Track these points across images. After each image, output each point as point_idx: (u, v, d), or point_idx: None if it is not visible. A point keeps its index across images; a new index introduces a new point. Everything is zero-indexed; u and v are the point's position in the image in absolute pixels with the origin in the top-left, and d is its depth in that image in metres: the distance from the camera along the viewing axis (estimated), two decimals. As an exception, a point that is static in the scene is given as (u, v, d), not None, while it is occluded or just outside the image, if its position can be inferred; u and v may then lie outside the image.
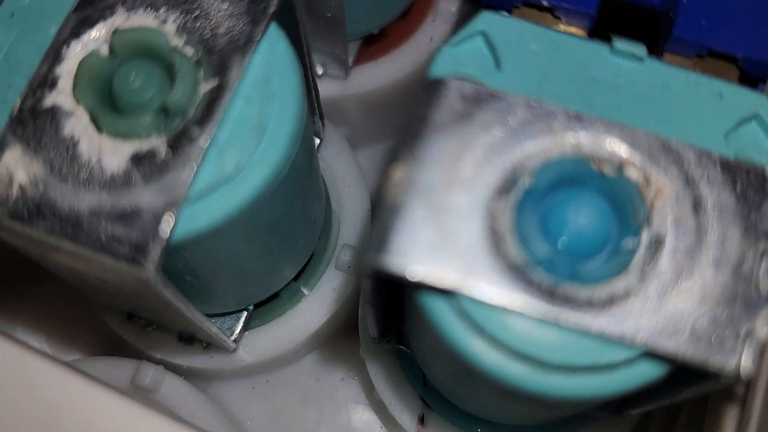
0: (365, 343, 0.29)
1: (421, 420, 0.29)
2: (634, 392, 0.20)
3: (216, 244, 0.22)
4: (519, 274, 0.19)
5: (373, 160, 0.36)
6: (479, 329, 0.19)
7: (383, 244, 0.19)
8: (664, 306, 0.19)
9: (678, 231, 0.20)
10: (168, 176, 0.20)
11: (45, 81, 0.21)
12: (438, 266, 0.19)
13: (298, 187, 0.24)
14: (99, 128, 0.21)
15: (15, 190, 0.20)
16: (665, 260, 0.19)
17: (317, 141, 0.31)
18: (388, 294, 0.23)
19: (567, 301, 0.19)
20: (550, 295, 0.19)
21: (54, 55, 0.22)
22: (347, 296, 0.30)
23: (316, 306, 0.30)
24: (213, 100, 0.21)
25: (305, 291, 0.30)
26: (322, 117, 0.30)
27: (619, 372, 0.19)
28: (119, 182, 0.20)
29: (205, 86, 0.21)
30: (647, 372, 0.19)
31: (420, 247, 0.19)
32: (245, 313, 0.29)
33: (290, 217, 0.25)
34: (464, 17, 0.35)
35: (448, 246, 0.19)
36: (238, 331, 0.29)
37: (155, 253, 0.20)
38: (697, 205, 0.20)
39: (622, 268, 0.19)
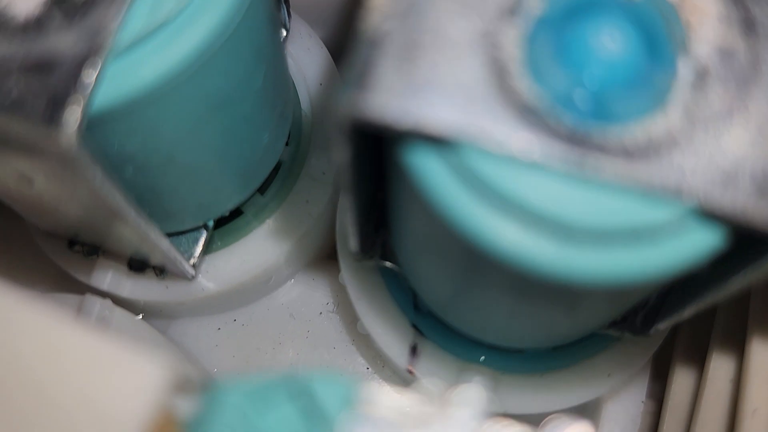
0: (346, 265, 0.25)
1: (413, 350, 0.25)
2: (679, 273, 0.16)
3: (155, 116, 0.18)
4: (533, 115, 0.15)
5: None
6: (487, 191, 0.15)
7: (363, 83, 0.15)
8: (715, 150, 0.15)
9: (724, 59, 0.16)
10: (92, 17, 0.16)
11: None
12: (431, 108, 0.15)
13: (257, 55, 0.20)
14: None
15: None
16: (711, 94, 0.16)
17: (283, 33, 0.27)
18: (369, 173, 0.20)
19: (595, 146, 0.15)
20: (573, 139, 0.15)
21: None
22: (322, 212, 0.26)
23: (287, 223, 0.26)
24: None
25: (273, 206, 0.26)
26: (287, 3, 0.26)
27: (664, 239, 0.15)
28: (33, 27, 0.16)
29: None
30: (698, 238, 0.15)
31: (408, 86, 0.15)
32: (204, 232, 0.25)
33: (249, 96, 0.21)
34: None
35: (442, 84, 0.15)
36: (197, 253, 0.25)
37: (75, 109, 0.16)
38: (747, 28, 0.16)
39: (659, 104, 0.16)
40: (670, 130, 0.15)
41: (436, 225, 0.17)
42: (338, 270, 0.26)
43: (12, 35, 0.17)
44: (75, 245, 0.25)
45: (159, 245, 0.22)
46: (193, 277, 0.25)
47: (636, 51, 0.16)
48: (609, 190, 0.15)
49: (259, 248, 0.26)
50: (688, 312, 0.20)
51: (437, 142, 0.16)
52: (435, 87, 0.15)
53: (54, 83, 0.16)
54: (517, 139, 0.15)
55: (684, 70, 0.16)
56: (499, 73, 0.16)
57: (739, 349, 0.23)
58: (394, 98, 0.15)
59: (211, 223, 0.25)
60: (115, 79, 0.17)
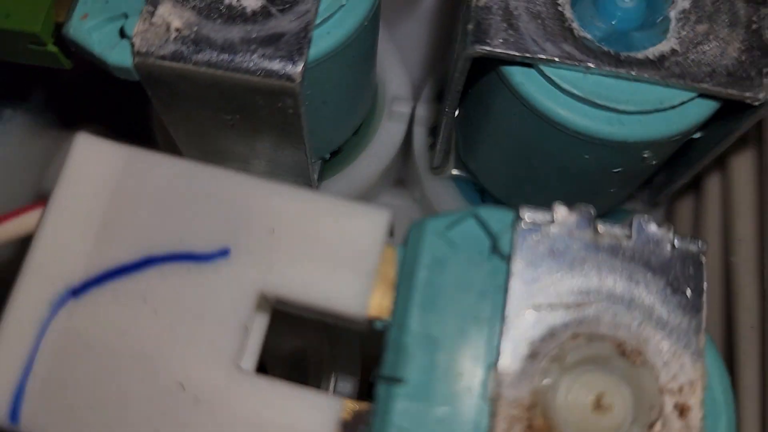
0: (427, 179, 0.35)
1: (486, 231, 0.35)
2: (688, 131, 0.26)
3: (329, 68, 0.27)
4: (589, 46, 0.25)
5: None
6: (563, 90, 0.25)
7: (481, 34, 0.25)
8: (702, 58, 0.25)
9: (696, 4, 0.26)
10: (298, 6, 0.25)
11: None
12: (527, 45, 0.25)
13: (376, 30, 0.29)
14: None
15: (173, 34, 0.25)
16: (692, 25, 0.26)
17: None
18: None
19: (630, 62, 0.25)
20: (617, 58, 0.25)
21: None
22: (399, 145, 0.36)
23: (375, 155, 0.35)
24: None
25: (364, 143, 0.35)
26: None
27: (680, 111, 0.25)
28: (260, 15, 0.25)
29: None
30: (701, 109, 0.26)
31: (509, 34, 0.25)
32: (320, 162, 0.34)
33: (371, 57, 0.30)
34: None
35: (531, 29, 0.25)
36: (316, 177, 0.34)
37: (301, 65, 0.25)
38: (710, -17, 0.26)
39: (662, 35, 0.26)
40: (673, 49, 0.25)
41: (520, 118, 0.26)
42: (404, 193, 0.36)
43: (248, 21, 0.25)
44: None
45: (309, 169, 0.31)
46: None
47: (642, 6, 0.26)
48: (644, 86, 0.25)
49: (357, 175, 0.35)
50: (684, 179, 0.31)
51: (529, 64, 0.25)
52: (526, 33, 0.25)
53: (283, 49, 0.25)
54: (584, 58, 0.25)
55: (673, 15, 0.26)
56: (564, 25, 0.25)
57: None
58: (502, 44, 0.25)
59: (327, 156, 0.34)
60: (317, 42, 0.26)
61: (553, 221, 0.23)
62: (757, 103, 0.25)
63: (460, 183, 0.35)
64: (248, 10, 0.25)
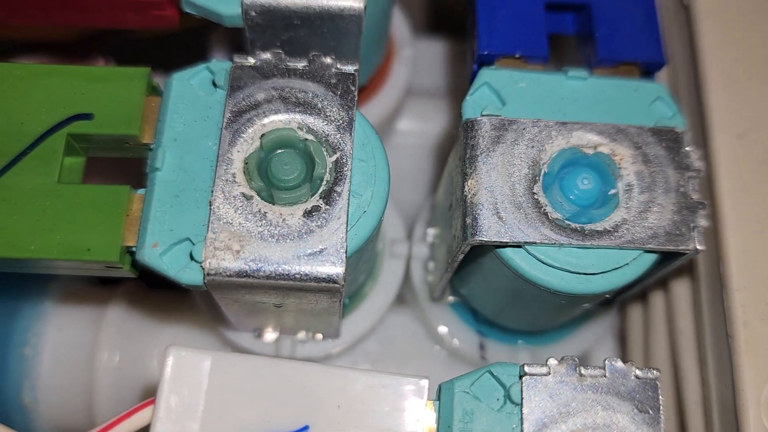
0: (427, 305, 0.42)
1: (482, 347, 0.42)
2: (638, 278, 0.34)
3: (359, 255, 0.34)
4: (561, 225, 0.33)
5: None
6: (543, 262, 0.33)
7: (478, 228, 0.32)
8: (645, 223, 0.33)
9: (639, 177, 0.34)
10: (332, 221, 0.32)
11: (227, 179, 0.33)
12: (515, 232, 0.32)
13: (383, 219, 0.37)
14: (272, 202, 0.32)
15: (235, 255, 0.32)
16: (637, 196, 0.34)
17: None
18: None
19: (592, 234, 0.33)
20: (582, 232, 0.33)
21: (226, 161, 0.33)
22: (402, 276, 0.43)
23: (383, 290, 0.42)
24: (341, 166, 0.33)
25: (373, 282, 0.43)
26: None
27: (631, 266, 0.33)
28: (304, 232, 0.32)
29: (330, 159, 0.33)
30: (647, 261, 0.33)
31: (500, 224, 0.32)
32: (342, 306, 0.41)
33: (380, 230, 0.37)
34: (420, 57, 0.48)
35: (515, 219, 0.33)
36: (341, 323, 0.41)
37: (342, 269, 0.32)
38: (645, 160, 0.34)
39: (614, 207, 0.33)
40: (624, 218, 0.33)
41: (511, 278, 0.34)
42: (407, 311, 0.43)
43: (293, 238, 0.32)
44: (258, 332, 0.41)
45: (338, 322, 0.38)
46: (340, 335, 0.41)
47: (598, 185, 0.33)
48: (603, 252, 0.33)
49: (370, 310, 0.42)
50: (639, 288, 0.39)
51: (516, 245, 0.33)
52: (512, 223, 0.32)
53: (327, 261, 0.32)
54: (556, 238, 0.33)
55: (621, 188, 0.34)
56: (539, 208, 0.33)
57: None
58: (495, 234, 0.32)
59: (347, 301, 0.41)
60: (349, 245, 0.33)
61: (549, 373, 0.31)
62: (690, 252, 0.33)
63: (456, 305, 0.43)
64: (292, 226, 0.32)
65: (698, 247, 0.33)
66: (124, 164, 0.45)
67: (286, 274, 0.31)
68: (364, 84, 0.45)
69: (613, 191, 0.34)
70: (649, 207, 0.33)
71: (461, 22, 0.42)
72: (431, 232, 0.43)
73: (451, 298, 0.42)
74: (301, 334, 0.41)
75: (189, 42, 0.48)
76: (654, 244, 0.33)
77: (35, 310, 0.42)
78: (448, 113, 0.51)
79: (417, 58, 0.47)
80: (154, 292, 0.45)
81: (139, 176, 0.37)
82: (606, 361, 0.31)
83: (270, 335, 0.41)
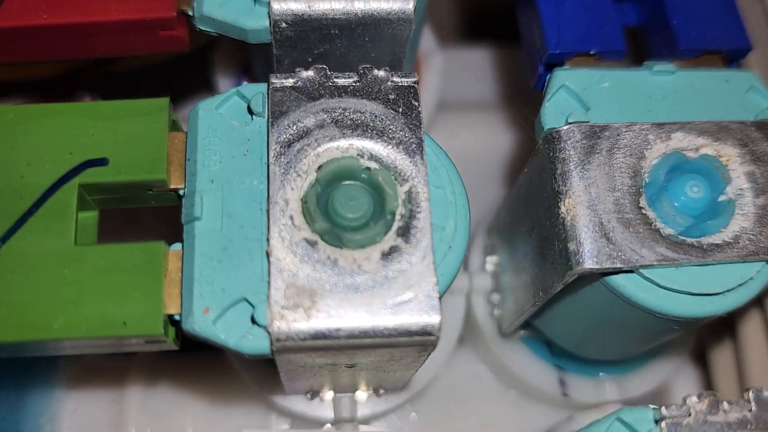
0: (495, 343, 0.38)
1: (562, 382, 0.37)
2: (763, 290, 0.29)
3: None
4: (675, 241, 0.28)
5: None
6: (660, 286, 0.28)
7: (585, 253, 0.27)
8: (764, 230, 0.29)
9: (751, 179, 0.30)
10: (416, 262, 0.27)
11: (285, 224, 0.27)
12: (628, 255, 0.28)
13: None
14: (341, 245, 0.27)
15: (307, 315, 0.26)
16: (753, 200, 0.29)
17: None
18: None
19: (712, 249, 0.28)
20: (701, 248, 0.28)
21: (281, 201, 0.27)
22: (462, 314, 0.38)
23: (445, 332, 0.37)
24: (415, 195, 0.28)
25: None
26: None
27: (756, 280, 0.29)
28: (386, 278, 0.27)
29: (402, 189, 0.28)
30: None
31: (610, 247, 0.28)
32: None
33: None
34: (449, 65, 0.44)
35: (626, 239, 0.28)
36: (408, 371, 0.36)
37: (438, 318, 0.26)
38: (754, 159, 0.30)
39: (730, 215, 0.29)
40: (743, 226, 0.29)
41: (620, 307, 0.29)
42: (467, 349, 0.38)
43: (375, 286, 0.27)
44: (311, 393, 0.35)
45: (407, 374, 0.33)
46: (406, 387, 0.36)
47: (707, 191, 0.29)
48: (725, 267, 0.28)
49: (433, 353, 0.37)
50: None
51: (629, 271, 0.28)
52: (623, 244, 0.28)
53: (416, 307, 0.27)
54: (673, 256, 0.28)
55: (731, 192, 0.29)
56: (649, 224, 0.28)
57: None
58: (606, 260, 0.28)
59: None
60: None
61: (689, 414, 0.26)
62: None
63: (527, 339, 0.38)
64: (370, 272, 0.27)
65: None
66: (133, 216, 0.39)
67: (373, 331, 0.26)
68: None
69: (724, 197, 0.29)
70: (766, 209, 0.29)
71: (495, 25, 0.37)
72: (493, 260, 0.38)
73: (521, 332, 0.37)
74: (365, 390, 0.36)
75: (182, 68, 0.43)
76: None
77: (46, 392, 0.36)
78: (482, 126, 0.46)
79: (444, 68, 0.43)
80: (178, 356, 0.39)
81: (153, 228, 0.31)
82: (750, 393, 0.27)
83: (326, 395, 0.35)
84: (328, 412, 0.35)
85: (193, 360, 0.39)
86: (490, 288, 0.38)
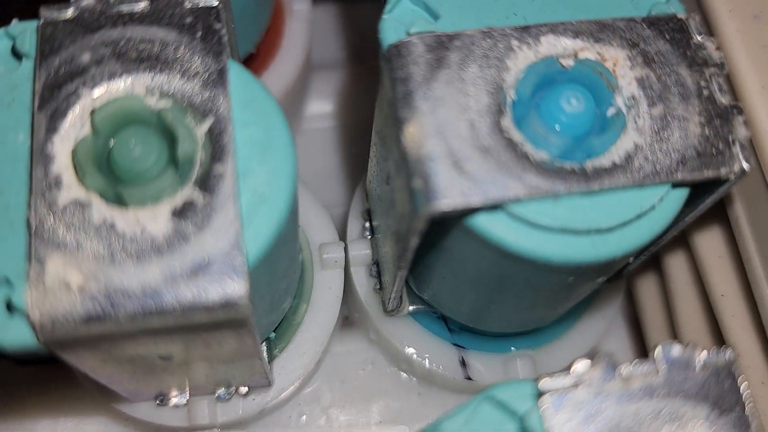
0: (381, 323, 0.31)
1: (463, 363, 0.31)
2: (666, 228, 0.23)
3: (269, 265, 0.23)
4: (551, 168, 0.22)
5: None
6: (535, 225, 0.22)
7: (433, 190, 0.21)
8: (667, 146, 0.23)
9: (644, 85, 0.24)
10: (216, 218, 0.21)
11: (48, 184, 0.21)
12: (488, 187, 0.22)
13: (297, 203, 0.26)
14: (124, 203, 0.21)
15: (76, 294, 0.20)
16: (647, 111, 0.23)
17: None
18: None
19: (598, 173, 0.22)
20: (584, 173, 0.22)
21: (44, 157, 0.22)
22: (340, 290, 0.32)
23: (320, 309, 0.31)
24: (217, 135, 0.22)
25: (304, 304, 0.31)
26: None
27: (658, 210, 0.23)
28: (177, 240, 0.21)
29: (202, 127, 0.22)
30: (677, 200, 0.23)
31: (465, 180, 0.22)
32: (265, 344, 0.30)
33: (296, 233, 0.26)
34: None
35: (484, 169, 0.22)
36: (267, 362, 0.30)
37: (243, 286, 0.21)
38: (647, 61, 0.24)
39: (620, 130, 0.23)
40: (636, 143, 0.23)
41: (492, 258, 0.23)
42: (356, 334, 0.33)
43: (161, 252, 0.21)
44: (161, 398, 0.29)
45: (264, 365, 0.27)
46: (272, 383, 0.30)
47: (590, 103, 0.23)
48: (618, 195, 0.22)
49: (307, 341, 0.31)
50: (651, 252, 0.28)
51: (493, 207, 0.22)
52: (481, 176, 0.22)
53: (218, 277, 0.21)
54: (547, 186, 0.22)
55: (621, 102, 0.23)
56: (515, 150, 0.22)
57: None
58: (458, 194, 0.22)
59: (273, 335, 0.30)
60: (252, 246, 0.21)
61: (578, 383, 0.21)
62: (733, 176, 0.23)
63: (419, 316, 0.32)
64: (158, 235, 0.21)
65: (744, 166, 0.23)
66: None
67: (160, 307, 0.20)
68: (250, 51, 0.35)
69: (612, 110, 0.23)
70: (668, 123, 0.23)
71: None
72: (369, 226, 0.32)
73: (410, 308, 0.31)
74: (221, 390, 0.30)
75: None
76: (685, 172, 0.23)
77: None
78: (362, 85, 0.40)
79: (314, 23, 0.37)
80: (21, 372, 0.33)
81: None
82: (657, 352, 0.21)
83: (178, 399, 0.29)
84: (181, 419, 0.29)
85: (35, 373, 0.33)
86: (370, 258, 0.32)
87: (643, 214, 0.23)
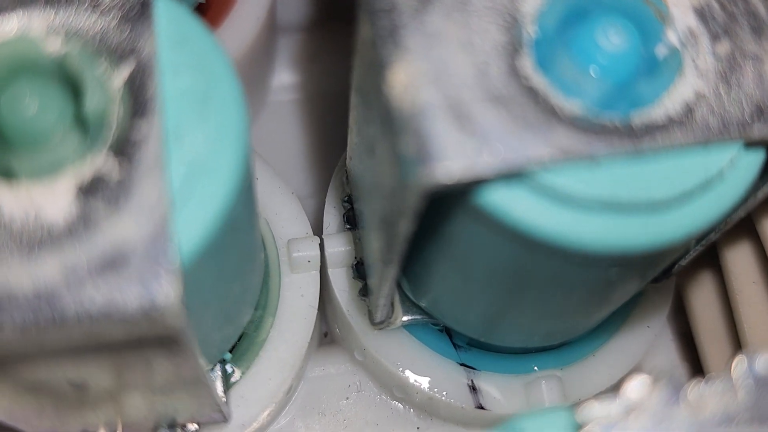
0: (368, 339, 0.28)
1: (472, 387, 0.28)
2: (745, 196, 0.20)
3: (216, 263, 0.20)
4: (585, 124, 0.19)
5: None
6: (568, 199, 0.19)
7: (429, 153, 0.18)
8: (738, 92, 0.20)
9: (705, 15, 0.20)
10: (138, 191, 0.18)
11: None
12: (497, 151, 0.18)
13: (252, 181, 0.22)
14: (12, 176, 0.18)
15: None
16: (708, 48, 0.20)
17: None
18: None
19: (650, 129, 0.19)
20: (630, 129, 0.19)
21: None
22: (316, 297, 0.29)
23: (291, 325, 0.28)
24: (139, 86, 0.19)
25: (269, 316, 0.28)
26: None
27: (729, 177, 0.20)
28: (81, 227, 0.18)
29: (119, 75, 0.19)
30: (753, 164, 0.20)
31: (469, 138, 0.18)
32: (219, 368, 0.26)
33: (253, 221, 0.23)
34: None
35: (496, 124, 0.18)
36: (221, 391, 0.26)
37: (173, 289, 0.17)
38: (707, -16, 0.21)
39: (675, 73, 0.20)
40: (696, 91, 0.20)
41: (509, 249, 0.20)
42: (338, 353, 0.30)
43: (60, 243, 0.17)
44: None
45: (214, 394, 0.23)
46: (228, 417, 0.26)
47: (634, 37, 0.20)
48: (675, 159, 0.19)
49: (276, 361, 0.27)
50: (710, 240, 0.25)
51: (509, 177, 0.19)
52: (492, 133, 0.18)
53: (138, 272, 0.17)
54: (578, 147, 0.19)
55: (674, 38, 0.20)
56: (538, 99, 0.19)
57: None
58: (462, 158, 0.18)
59: (228, 355, 0.26)
60: (186, 233, 0.18)
61: (629, 411, 0.17)
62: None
63: (416, 329, 0.28)
64: (56, 220, 0.18)
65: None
66: None
67: (60, 315, 0.17)
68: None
69: (663, 48, 0.20)
70: (737, 64, 0.20)
71: None
72: (351, 216, 0.29)
73: (404, 318, 0.28)
74: (162, 430, 0.26)
75: None
76: (762, 125, 0.20)
77: None
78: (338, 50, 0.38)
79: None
80: None
81: None
82: (736, 366, 0.18)
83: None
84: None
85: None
86: (352, 256, 0.29)
87: (708, 183, 0.19)
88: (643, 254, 0.20)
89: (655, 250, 0.20)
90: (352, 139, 0.27)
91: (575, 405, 0.18)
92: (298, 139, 0.38)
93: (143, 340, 0.18)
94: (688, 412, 0.18)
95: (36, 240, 0.18)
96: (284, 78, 0.39)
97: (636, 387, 0.18)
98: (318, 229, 0.30)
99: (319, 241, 0.29)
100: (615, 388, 0.28)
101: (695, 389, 0.18)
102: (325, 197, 0.30)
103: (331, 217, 0.30)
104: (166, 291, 0.17)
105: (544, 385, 0.28)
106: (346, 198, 0.29)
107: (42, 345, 0.18)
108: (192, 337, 0.19)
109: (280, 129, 0.37)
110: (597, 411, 0.17)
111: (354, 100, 0.25)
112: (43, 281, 0.17)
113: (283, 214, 0.30)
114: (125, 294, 0.17)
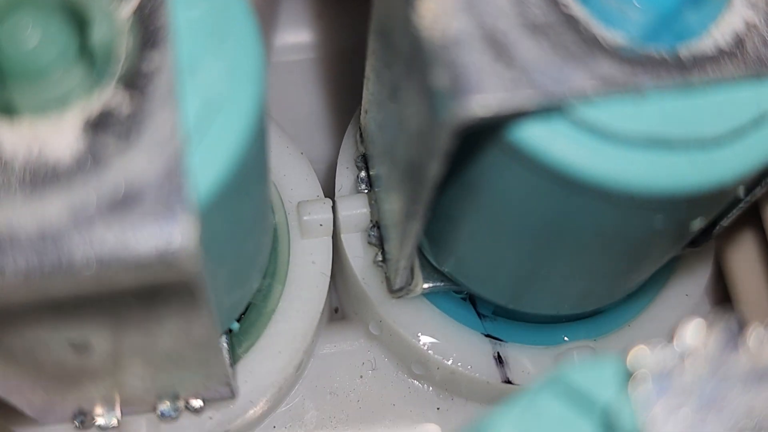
0: (386, 310, 0.28)
1: (499, 360, 0.28)
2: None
3: (230, 212, 0.19)
4: (631, 55, 0.19)
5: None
6: (612, 135, 0.19)
7: (463, 85, 0.18)
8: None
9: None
10: (150, 125, 0.18)
11: None
12: (537, 82, 0.18)
13: (266, 124, 0.22)
14: (14, 112, 0.18)
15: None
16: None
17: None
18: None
19: (700, 60, 0.19)
20: (679, 61, 0.19)
21: None
22: (328, 264, 0.29)
23: (302, 293, 0.28)
24: (149, 14, 0.19)
25: (278, 285, 0.28)
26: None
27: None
28: (89, 164, 0.17)
29: (127, 4, 0.19)
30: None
31: (508, 70, 0.18)
32: (226, 340, 0.26)
33: (266, 171, 0.23)
34: None
35: (537, 55, 0.18)
36: (228, 364, 0.26)
37: (190, 229, 0.17)
38: None
39: (723, 3, 0.20)
40: (744, 20, 0.19)
41: (547, 194, 0.20)
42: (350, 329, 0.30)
43: (68, 182, 0.17)
44: (80, 418, 0.25)
45: (224, 362, 0.23)
46: (236, 393, 0.26)
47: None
48: (728, 92, 0.19)
49: (285, 333, 0.27)
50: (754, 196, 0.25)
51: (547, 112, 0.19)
52: (531, 63, 0.18)
53: (150, 212, 0.17)
54: (622, 78, 0.18)
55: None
56: (576, 26, 0.19)
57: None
58: (500, 89, 0.18)
59: (235, 325, 0.26)
60: (204, 170, 0.18)
61: (684, 358, 0.17)
62: None
63: (437, 297, 0.28)
64: (62, 158, 0.17)
65: None
66: None
67: (67, 258, 0.17)
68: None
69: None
70: None
71: None
72: (366, 176, 0.29)
73: (425, 286, 0.28)
74: (164, 405, 0.26)
75: None
76: None
77: None
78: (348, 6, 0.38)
79: None
80: None
81: None
82: None
83: (105, 418, 0.26)
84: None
85: None
86: (368, 220, 0.28)
87: (761, 119, 0.20)
88: (691, 196, 0.20)
89: (704, 192, 0.20)
90: (369, 89, 0.27)
91: (624, 352, 0.17)
92: (306, 101, 0.38)
93: (155, 290, 0.18)
94: (747, 359, 0.17)
95: (40, 177, 0.17)
96: (288, 37, 0.39)
97: (692, 332, 0.17)
98: (329, 191, 0.30)
99: (331, 204, 0.29)
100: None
101: (755, 334, 0.17)
102: (335, 162, 0.30)
103: (344, 179, 0.29)
104: (183, 231, 0.17)
105: (577, 356, 0.28)
106: (359, 157, 0.29)
107: (46, 294, 0.17)
108: (207, 287, 0.19)
109: (286, 91, 0.38)
110: (650, 358, 0.17)
111: (372, 45, 0.25)
112: (48, 221, 0.17)
113: (292, 175, 0.30)
114: (138, 234, 0.17)
